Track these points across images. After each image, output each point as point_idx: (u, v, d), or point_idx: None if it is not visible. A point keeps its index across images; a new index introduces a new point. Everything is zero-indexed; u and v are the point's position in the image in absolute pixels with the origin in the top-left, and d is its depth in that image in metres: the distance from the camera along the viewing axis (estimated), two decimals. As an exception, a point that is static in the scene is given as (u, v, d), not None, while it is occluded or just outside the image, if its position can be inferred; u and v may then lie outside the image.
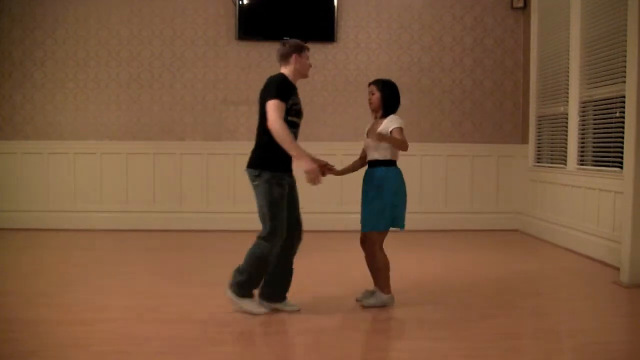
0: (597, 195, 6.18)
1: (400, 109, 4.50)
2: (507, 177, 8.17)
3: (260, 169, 4.08)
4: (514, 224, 8.13)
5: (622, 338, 4.02)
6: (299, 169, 4.13)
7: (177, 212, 7.98)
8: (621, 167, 5.51)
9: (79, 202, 7.95)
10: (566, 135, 6.88)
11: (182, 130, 8.02)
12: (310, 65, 4.28)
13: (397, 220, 4.35)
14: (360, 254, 4.54)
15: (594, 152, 6.45)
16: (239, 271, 4.18)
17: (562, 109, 7.05)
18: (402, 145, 4.26)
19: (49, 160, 7.94)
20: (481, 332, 3.92)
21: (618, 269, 5.37)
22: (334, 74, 8.02)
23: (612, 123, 6.00)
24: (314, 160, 4.21)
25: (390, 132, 4.29)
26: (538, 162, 7.75)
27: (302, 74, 4.25)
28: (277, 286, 4.30)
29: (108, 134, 7.97)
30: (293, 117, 4.12)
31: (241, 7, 7.80)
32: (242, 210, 7.89)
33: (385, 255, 4.38)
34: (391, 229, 4.39)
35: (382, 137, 4.22)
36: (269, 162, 4.10)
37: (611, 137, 6.00)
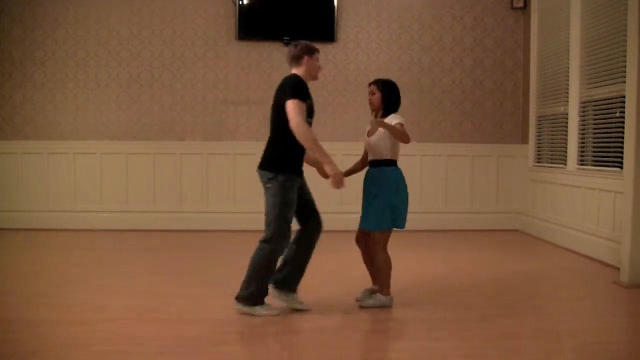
0: (597, 195, 6.18)
1: (401, 109, 4.50)
2: (507, 177, 8.17)
3: (274, 172, 4.07)
4: (514, 224, 8.13)
5: (622, 338, 4.02)
6: (307, 166, 4.14)
7: (177, 212, 7.98)
8: (621, 167, 5.51)
9: (79, 202, 7.95)
10: (566, 135, 6.88)
11: (182, 130, 8.02)
12: (320, 68, 4.30)
13: (397, 220, 4.35)
14: (360, 254, 4.55)
15: (594, 152, 6.45)
16: (245, 284, 4.16)
17: (562, 109, 7.05)
18: (403, 136, 4.23)
19: (49, 160, 7.94)
20: (481, 332, 3.92)
21: (618, 269, 5.37)
22: (334, 74, 8.02)
23: (612, 123, 6.00)
24: (318, 162, 4.24)
25: None
26: (538, 162, 7.75)
27: (313, 75, 4.26)
28: (290, 275, 4.27)
29: (108, 134, 7.97)
30: (307, 117, 4.14)
31: (241, 7, 7.80)
32: (242, 210, 7.91)
33: (388, 257, 4.38)
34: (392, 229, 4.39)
35: (382, 124, 4.20)
36: (284, 164, 4.10)
37: (611, 137, 6.00)
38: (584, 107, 6.60)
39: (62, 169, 7.94)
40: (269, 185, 4.09)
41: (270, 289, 4.25)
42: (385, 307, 4.39)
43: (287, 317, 4.20)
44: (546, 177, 7.40)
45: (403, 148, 4.48)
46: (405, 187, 4.40)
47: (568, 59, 6.81)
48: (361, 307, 4.40)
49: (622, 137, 5.40)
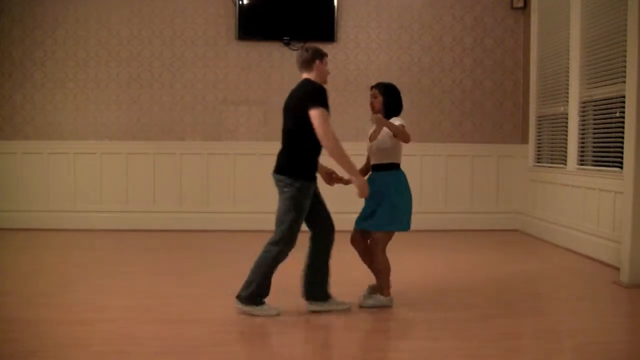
0: (597, 195, 6.18)
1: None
2: (507, 177, 8.17)
3: (293, 177, 4.09)
4: (514, 224, 8.13)
5: (622, 338, 4.02)
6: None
7: (177, 212, 7.98)
8: (621, 167, 5.51)
9: (79, 202, 7.95)
10: (566, 135, 6.88)
11: (182, 130, 8.02)
12: (328, 72, 4.32)
13: (401, 222, 4.35)
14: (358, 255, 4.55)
15: (594, 152, 6.45)
16: (247, 284, 4.16)
17: (562, 109, 7.05)
18: (404, 135, 4.23)
19: (49, 160, 7.94)
20: (481, 332, 3.92)
21: (618, 269, 5.37)
22: (334, 74, 7.97)
23: (612, 123, 6.00)
24: (322, 167, 4.35)
25: None
26: (538, 162, 7.75)
27: (323, 80, 4.27)
28: (319, 285, 4.30)
29: (108, 134, 7.97)
30: None
31: (241, 7, 7.80)
32: (242, 210, 7.91)
33: (386, 258, 4.38)
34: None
35: (381, 120, 4.20)
36: (303, 170, 4.13)
37: (611, 137, 6.00)
38: (584, 107, 6.60)
39: (62, 169, 7.94)
40: (287, 190, 4.11)
41: (308, 304, 4.27)
42: (385, 307, 4.39)
43: (286, 317, 4.19)
44: (546, 177, 7.40)
45: (403, 148, 4.47)
46: (408, 189, 4.41)
47: (568, 59, 6.81)
48: (361, 307, 4.40)
49: (622, 137, 5.40)
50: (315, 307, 4.27)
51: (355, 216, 4.50)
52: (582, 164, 6.63)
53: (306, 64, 4.22)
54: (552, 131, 7.38)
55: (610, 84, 6.01)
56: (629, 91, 5.15)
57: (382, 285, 4.41)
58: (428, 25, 8.10)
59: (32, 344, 3.59)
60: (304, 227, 4.22)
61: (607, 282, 5.28)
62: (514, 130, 8.18)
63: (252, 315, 4.15)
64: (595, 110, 6.41)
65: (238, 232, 7.64)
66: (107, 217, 7.92)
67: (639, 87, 4.97)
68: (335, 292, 4.83)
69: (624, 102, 5.45)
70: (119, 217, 7.91)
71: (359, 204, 4.49)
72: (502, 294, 4.90)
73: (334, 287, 5.01)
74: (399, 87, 4.55)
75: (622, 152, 5.45)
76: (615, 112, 5.91)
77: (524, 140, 8.03)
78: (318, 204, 4.27)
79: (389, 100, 4.43)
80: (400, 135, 4.23)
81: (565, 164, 6.90)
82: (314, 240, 4.29)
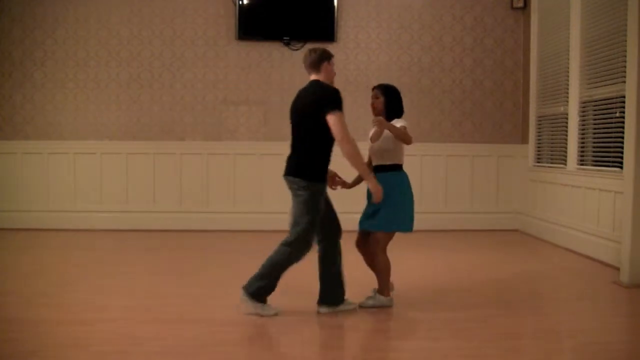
0: (597, 195, 6.18)
1: (400, 109, 4.52)
2: (507, 177, 8.17)
3: (308, 180, 4.10)
4: (514, 224, 8.13)
5: (622, 338, 4.02)
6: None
7: (177, 212, 7.98)
8: (621, 167, 5.51)
9: (79, 202, 7.95)
10: (566, 135, 6.88)
11: (182, 130, 8.02)
12: (335, 73, 4.31)
13: (404, 223, 4.35)
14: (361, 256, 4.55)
15: (594, 152, 6.45)
16: (258, 277, 4.13)
17: (562, 109, 7.05)
18: (405, 136, 4.25)
19: (49, 160, 7.94)
20: (481, 332, 3.92)
21: (618, 269, 5.37)
22: (334, 74, 8.01)
23: (612, 123, 6.00)
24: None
25: None
26: (538, 162, 7.75)
27: (331, 80, 4.31)
28: (337, 291, 4.27)
29: (108, 134, 7.97)
30: None
31: (241, 7, 7.80)
32: (242, 210, 7.91)
33: (387, 258, 4.38)
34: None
35: (382, 122, 4.21)
36: (317, 173, 4.14)
37: (611, 137, 6.00)
38: (584, 107, 6.60)
39: (62, 169, 7.94)
40: (301, 192, 4.10)
41: (319, 307, 4.26)
42: (385, 307, 4.39)
43: (286, 317, 4.19)
44: (546, 177, 7.40)
45: (404, 148, 4.47)
46: (411, 190, 4.41)
47: (568, 59, 6.81)
48: (361, 307, 4.40)
49: (622, 137, 5.40)
50: (326, 310, 4.26)
51: (356, 216, 4.50)
52: (582, 164, 6.63)
53: (314, 66, 4.24)
54: (552, 131, 7.38)
55: (610, 84, 6.01)
56: (629, 91, 5.15)
57: (382, 286, 4.40)
58: (428, 25, 8.10)
59: (32, 344, 3.59)
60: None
61: (607, 282, 5.28)
62: (514, 130, 8.18)
63: (252, 314, 4.14)
64: (595, 110, 6.41)
65: (238, 232, 7.64)
66: (107, 217, 7.93)
67: (639, 87, 4.97)
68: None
69: (624, 102, 5.45)
70: (119, 217, 7.91)
71: (361, 204, 4.49)
72: (502, 294, 4.90)
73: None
74: (399, 87, 4.56)
75: (622, 152, 5.45)
76: (615, 112, 5.91)
77: (524, 140, 8.03)
78: (326, 205, 4.27)
79: (390, 101, 4.43)
80: (402, 137, 4.24)
81: (565, 164, 6.90)
82: (323, 244, 4.26)
